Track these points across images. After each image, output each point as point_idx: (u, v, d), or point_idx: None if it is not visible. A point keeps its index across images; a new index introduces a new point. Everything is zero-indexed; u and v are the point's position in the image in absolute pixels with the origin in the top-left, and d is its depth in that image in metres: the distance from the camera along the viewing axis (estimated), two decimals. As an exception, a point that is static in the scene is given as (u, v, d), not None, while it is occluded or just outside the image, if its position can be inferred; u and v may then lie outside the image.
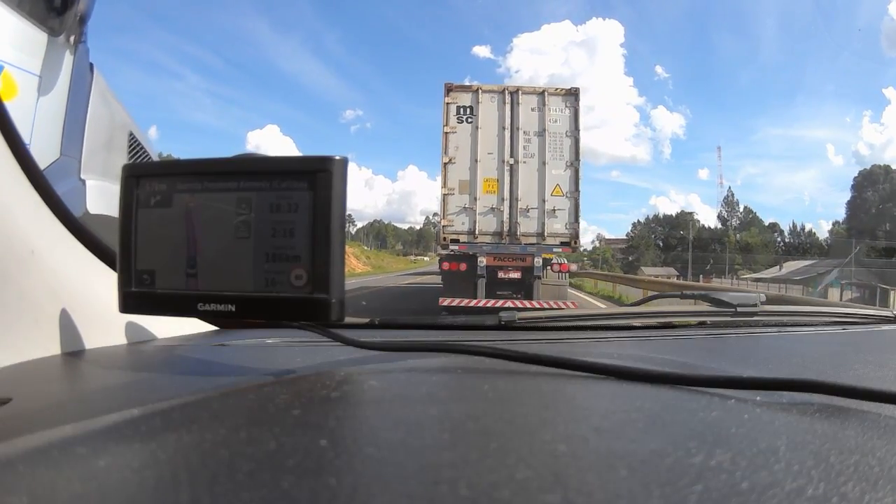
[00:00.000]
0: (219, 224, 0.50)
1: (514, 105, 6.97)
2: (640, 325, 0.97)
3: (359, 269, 37.63)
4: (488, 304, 6.55)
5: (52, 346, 0.61)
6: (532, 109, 6.99)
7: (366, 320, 0.93)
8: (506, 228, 6.89)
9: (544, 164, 6.89)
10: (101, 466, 0.28)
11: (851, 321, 1.07)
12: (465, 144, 6.92)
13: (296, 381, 0.52)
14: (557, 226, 6.93)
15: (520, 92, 7.02)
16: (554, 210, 6.91)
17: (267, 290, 0.49)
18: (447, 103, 6.96)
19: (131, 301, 0.53)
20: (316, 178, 0.48)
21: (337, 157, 0.48)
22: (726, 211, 61.27)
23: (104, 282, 0.65)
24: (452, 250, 6.94)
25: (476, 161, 6.89)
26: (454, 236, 6.91)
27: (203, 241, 0.50)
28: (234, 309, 0.50)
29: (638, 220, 65.59)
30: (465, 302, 6.54)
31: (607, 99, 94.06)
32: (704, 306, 1.07)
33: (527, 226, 6.92)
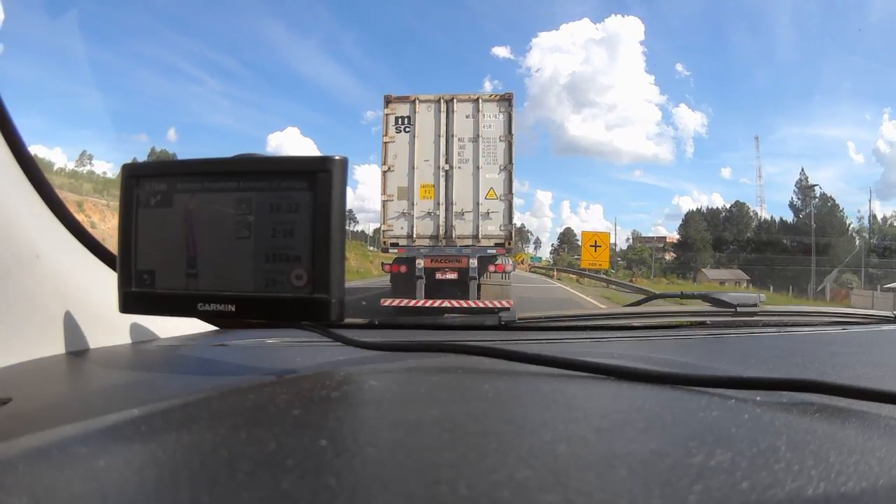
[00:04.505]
0: (219, 224, 0.50)
1: (450, 113, 7.23)
2: (640, 325, 0.97)
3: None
4: (426, 304, 6.88)
5: (54, 346, 0.61)
6: (467, 116, 7.24)
7: (366, 320, 0.93)
8: (442, 231, 7.20)
9: (478, 168, 7.16)
10: (101, 466, 0.28)
11: (851, 321, 1.07)
12: (403, 153, 7.20)
13: (296, 381, 0.52)
14: (492, 227, 7.19)
15: (454, 100, 7.28)
16: (488, 212, 7.17)
17: (267, 291, 0.49)
18: (386, 114, 7.23)
19: (131, 301, 0.53)
20: (316, 179, 0.48)
21: (337, 158, 0.48)
22: (800, 199, 46.46)
23: (105, 282, 0.65)
24: (392, 254, 7.32)
25: (413, 168, 7.17)
26: (393, 240, 7.24)
27: (203, 242, 0.50)
28: (234, 309, 0.50)
29: (695, 209, 54.32)
30: (405, 302, 6.86)
31: (628, 97, 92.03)
32: (704, 306, 1.07)
33: (462, 228, 7.21)
